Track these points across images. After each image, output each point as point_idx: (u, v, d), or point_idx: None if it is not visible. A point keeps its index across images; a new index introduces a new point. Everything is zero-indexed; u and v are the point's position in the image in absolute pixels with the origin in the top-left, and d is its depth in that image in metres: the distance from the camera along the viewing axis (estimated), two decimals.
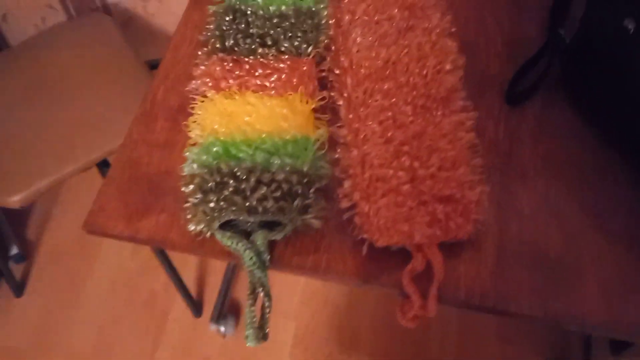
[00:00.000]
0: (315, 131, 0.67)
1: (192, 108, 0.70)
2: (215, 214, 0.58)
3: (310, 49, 0.72)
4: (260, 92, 0.69)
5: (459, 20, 0.77)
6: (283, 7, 0.76)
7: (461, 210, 0.59)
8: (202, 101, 0.70)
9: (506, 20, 0.80)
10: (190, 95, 0.72)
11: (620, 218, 0.63)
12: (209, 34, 0.76)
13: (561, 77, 0.73)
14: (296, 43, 0.72)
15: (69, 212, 1.43)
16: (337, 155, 0.66)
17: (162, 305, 1.31)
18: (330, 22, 0.76)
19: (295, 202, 0.59)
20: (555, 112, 0.71)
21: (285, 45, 0.72)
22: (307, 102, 0.68)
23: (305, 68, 0.70)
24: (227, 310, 1.25)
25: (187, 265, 1.33)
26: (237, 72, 0.70)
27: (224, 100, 0.68)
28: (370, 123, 0.64)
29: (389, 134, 0.64)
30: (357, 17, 0.74)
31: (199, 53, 0.75)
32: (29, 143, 0.96)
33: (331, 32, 0.75)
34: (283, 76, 0.69)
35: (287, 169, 0.61)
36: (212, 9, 0.78)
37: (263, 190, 0.59)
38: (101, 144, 0.95)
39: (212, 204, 0.59)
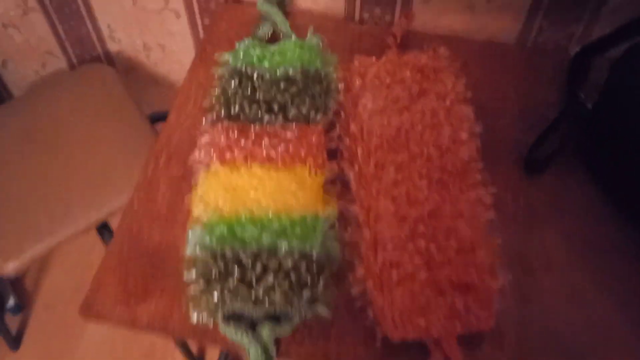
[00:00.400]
0: (323, 207, 0.63)
1: (195, 180, 0.67)
2: (220, 305, 0.55)
3: (319, 116, 0.69)
4: (267, 164, 0.65)
5: (472, 83, 0.74)
6: (291, 71, 0.72)
7: (482, 299, 0.55)
8: (206, 173, 0.66)
9: (522, 83, 0.77)
10: (194, 166, 0.68)
11: None
12: (213, 99, 0.73)
13: (582, 146, 0.70)
14: (304, 110, 0.69)
15: (66, 261, 1.39)
16: (347, 236, 0.62)
17: None
18: (340, 86, 0.73)
19: (305, 293, 0.55)
20: (576, 184, 0.68)
21: (293, 112, 0.69)
22: (315, 175, 0.65)
23: (314, 138, 0.67)
24: None
25: None
26: (242, 142, 0.67)
27: (229, 174, 0.64)
28: (382, 200, 0.61)
29: (403, 212, 0.60)
30: (367, 81, 0.71)
31: (204, 120, 0.71)
32: (23, 202, 0.92)
33: (341, 97, 0.72)
34: (290, 147, 0.66)
35: (296, 254, 0.57)
36: (217, 72, 0.75)
37: (270, 279, 0.55)
38: (99, 204, 0.91)
39: (215, 294, 0.55)
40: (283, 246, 0.58)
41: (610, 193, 0.66)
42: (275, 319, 0.56)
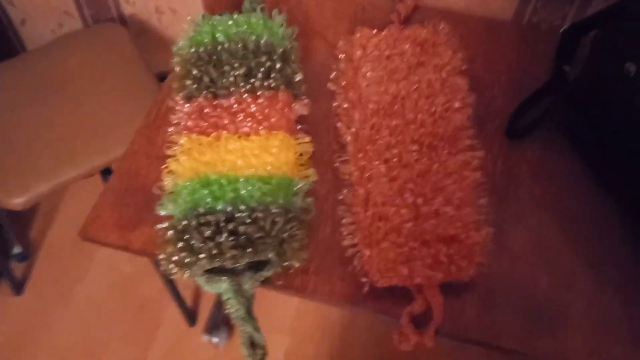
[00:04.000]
0: (297, 171, 0.67)
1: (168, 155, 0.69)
2: (192, 264, 0.57)
3: (282, 85, 0.71)
4: (238, 134, 0.67)
5: (469, 57, 0.78)
6: (252, 42, 0.73)
7: (465, 252, 0.59)
8: (178, 149, 0.68)
9: (515, 58, 0.81)
10: (167, 142, 0.71)
11: (610, 267, 0.63)
12: (178, 78, 0.74)
13: (563, 117, 0.73)
14: (269, 80, 0.70)
15: (70, 214, 1.44)
16: (341, 196, 0.66)
17: (156, 312, 1.31)
18: (341, 56, 0.77)
19: (275, 233, 0.58)
20: (556, 153, 0.72)
21: (258, 82, 0.70)
22: (287, 140, 0.67)
23: (280, 105, 0.69)
24: (221, 321, 1.25)
25: None
26: (212, 115, 0.69)
27: (200, 147, 0.66)
28: (376, 162, 0.65)
29: (394, 173, 0.64)
30: (368, 52, 0.75)
31: (175, 98, 0.73)
32: (32, 145, 0.97)
33: (342, 66, 0.76)
34: (259, 115, 0.68)
35: (269, 207, 0.60)
36: (177, 50, 0.77)
37: (241, 229, 0.58)
38: (103, 150, 0.96)
39: (187, 255, 0.57)
40: (253, 199, 0.60)
41: (589, 162, 0.70)
42: (256, 268, 0.59)
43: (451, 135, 0.67)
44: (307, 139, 0.69)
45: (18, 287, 1.31)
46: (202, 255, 0.56)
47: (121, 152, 0.70)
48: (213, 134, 0.67)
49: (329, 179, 0.69)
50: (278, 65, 0.71)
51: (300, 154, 0.68)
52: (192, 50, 0.74)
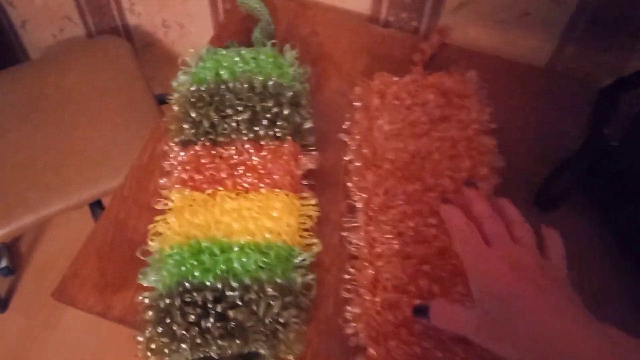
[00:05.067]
0: (299, 238, 0.59)
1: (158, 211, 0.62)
2: (173, 353, 0.51)
3: (291, 134, 0.63)
4: (236, 190, 0.60)
5: (494, 105, 0.70)
6: (259, 83, 0.65)
7: (485, 356, 0.51)
8: (169, 210, 0.61)
9: (546, 111, 0.73)
10: (159, 192, 0.64)
11: None
12: (174, 120, 0.66)
13: (596, 184, 0.66)
14: (275, 128, 0.63)
15: (62, 230, 1.38)
16: (347, 276, 0.58)
17: None
18: (356, 104, 0.69)
19: (269, 320, 0.51)
20: (585, 225, 0.64)
21: (263, 130, 0.63)
22: (290, 199, 0.60)
23: (285, 159, 0.61)
24: None
25: None
26: (209, 167, 0.62)
27: (194, 210, 0.59)
28: (388, 236, 0.57)
29: (409, 249, 0.56)
30: (387, 101, 0.67)
31: (170, 144, 0.66)
32: (22, 171, 0.90)
33: (357, 116, 0.68)
34: (261, 170, 0.61)
35: (264, 286, 0.53)
36: (177, 86, 0.69)
37: (231, 315, 0.51)
38: (95, 182, 0.89)
39: (167, 342, 0.51)
40: (247, 275, 0.54)
41: (621, 240, 0.62)
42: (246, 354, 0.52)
43: None
44: (314, 201, 0.62)
45: (2, 304, 1.25)
46: (184, 346, 0.50)
47: (113, 185, 0.64)
48: (208, 191, 0.60)
49: (334, 244, 0.61)
50: (286, 112, 0.64)
51: (306, 217, 0.61)
52: (193, 88, 0.67)
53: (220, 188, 0.60)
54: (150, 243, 0.59)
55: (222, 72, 0.67)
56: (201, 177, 0.61)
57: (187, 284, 0.53)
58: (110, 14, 1.14)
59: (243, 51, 0.69)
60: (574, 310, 0.39)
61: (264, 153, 0.61)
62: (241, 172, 0.61)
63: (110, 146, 0.93)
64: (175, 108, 0.67)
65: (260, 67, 0.67)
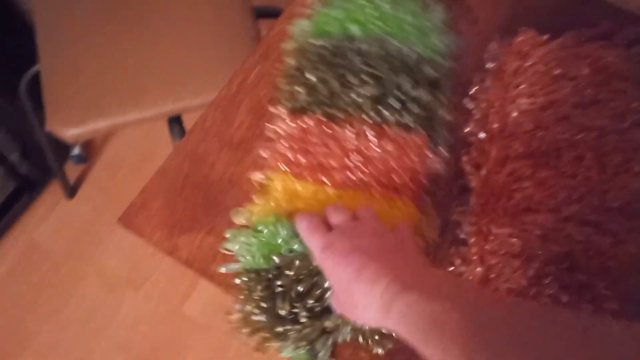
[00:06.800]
0: None
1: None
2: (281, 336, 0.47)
3: (423, 123, 0.52)
4: (343, 183, 0.50)
5: None
6: (402, 49, 0.53)
7: None
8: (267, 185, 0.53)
9: None
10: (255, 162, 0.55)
11: None
12: (283, 85, 0.56)
13: None
14: (406, 113, 0.52)
15: (138, 128, 1.35)
16: (452, 268, 0.50)
17: None
18: (489, 65, 0.57)
19: None
20: None
21: (390, 114, 0.52)
22: (406, 209, 0.50)
23: (412, 157, 0.51)
24: None
25: None
26: (320, 149, 0.52)
27: (293, 200, 0.50)
28: (507, 230, 0.48)
29: (531, 250, 0.47)
30: (528, 66, 0.55)
31: (279, 108, 0.55)
32: (100, 74, 0.84)
33: (489, 80, 0.56)
34: (379, 165, 0.51)
35: None
36: (294, 35, 0.58)
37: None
38: (175, 97, 0.81)
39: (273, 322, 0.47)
40: None
41: None
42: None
43: (624, 207, 0.49)
44: (435, 224, 0.50)
45: (72, 191, 1.26)
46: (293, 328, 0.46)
47: (194, 104, 0.56)
48: (312, 182, 0.50)
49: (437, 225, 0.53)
50: (422, 94, 0.52)
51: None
52: (315, 42, 0.55)
53: (325, 180, 0.50)
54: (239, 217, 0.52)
55: (351, 26, 0.55)
56: (306, 161, 0.51)
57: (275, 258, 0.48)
58: None
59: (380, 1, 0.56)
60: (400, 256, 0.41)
61: (387, 143, 0.51)
62: (355, 163, 0.51)
63: (196, 61, 0.84)
64: (291, 62, 0.56)
65: (399, 28, 0.55)
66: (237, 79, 0.60)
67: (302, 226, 0.45)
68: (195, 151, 0.57)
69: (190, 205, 0.55)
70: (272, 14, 0.88)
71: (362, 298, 0.39)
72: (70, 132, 0.81)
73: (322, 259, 0.42)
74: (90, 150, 1.31)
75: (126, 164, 1.30)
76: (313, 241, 0.44)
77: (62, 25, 0.91)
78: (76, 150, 1.27)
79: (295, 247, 0.48)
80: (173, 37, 0.87)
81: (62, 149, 1.22)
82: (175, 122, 0.85)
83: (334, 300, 0.45)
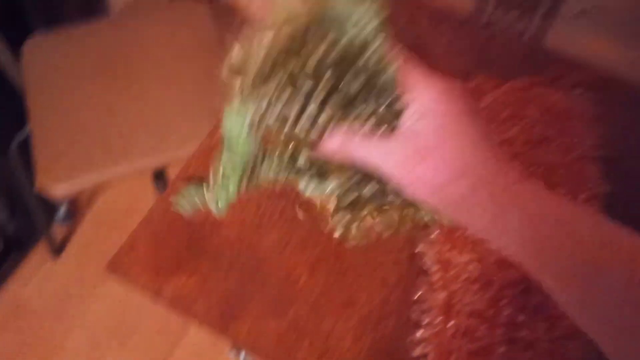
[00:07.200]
0: None
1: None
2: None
3: None
4: None
5: (608, 133, 0.61)
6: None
7: None
8: None
9: None
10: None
11: None
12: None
13: None
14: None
15: (123, 184, 1.38)
16: (416, 297, 0.54)
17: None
18: None
19: None
20: None
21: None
22: None
23: None
24: None
25: None
26: None
27: None
28: (466, 257, 0.52)
29: (489, 275, 0.51)
30: (481, 107, 0.61)
31: None
32: (89, 129, 0.89)
33: None
34: None
35: None
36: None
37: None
38: (161, 149, 0.85)
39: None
40: None
41: None
42: None
43: None
44: None
45: (57, 250, 1.28)
46: None
47: (178, 155, 0.60)
48: None
49: (403, 260, 0.56)
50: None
51: None
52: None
53: None
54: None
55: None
56: None
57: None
58: None
59: None
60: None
61: None
62: None
63: (181, 115, 0.89)
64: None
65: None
66: (217, 131, 0.65)
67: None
68: None
69: (175, 248, 0.58)
70: None
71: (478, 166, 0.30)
72: (60, 188, 0.85)
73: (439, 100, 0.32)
74: (76, 208, 1.34)
75: (111, 220, 1.32)
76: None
77: (51, 85, 0.96)
78: (63, 210, 1.29)
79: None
80: (158, 93, 0.93)
81: (49, 209, 1.25)
82: (160, 176, 0.89)
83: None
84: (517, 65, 0.69)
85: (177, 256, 0.57)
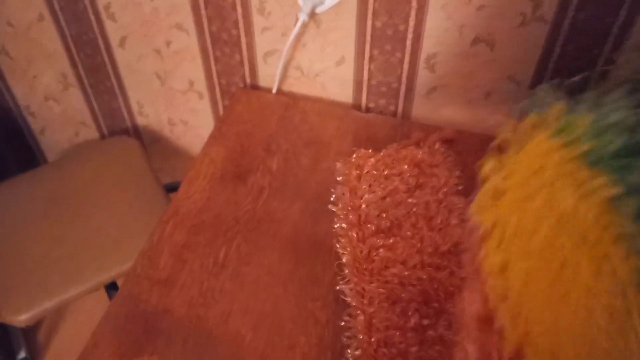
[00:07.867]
0: None
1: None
2: None
3: None
4: None
5: (468, 175, 0.78)
6: None
7: None
8: None
9: None
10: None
11: None
12: None
13: None
14: None
15: (78, 317, 1.43)
16: (342, 323, 0.65)
17: None
18: (339, 178, 0.78)
19: None
20: None
21: None
22: None
23: None
24: None
25: None
26: None
27: None
28: (375, 284, 0.65)
29: (395, 296, 0.64)
30: (365, 172, 0.77)
31: None
32: (42, 261, 0.99)
33: (339, 188, 0.77)
34: None
35: None
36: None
37: None
38: (109, 267, 0.97)
39: None
40: None
41: None
42: None
43: (451, 249, 0.67)
44: None
45: None
46: None
47: (126, 268, 0.70)
48: None
49: (330, 302, 0.68)
50: None
51: None
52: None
53: None
54: None
55: None
56: None
57: None
58: (121, 117, 1.26)
59: None
60: None
61: None
62: None
63: (123, 234, 1.01)
64: None
65: None
66: (156, 233, 0.77)
67: None
68: (131, 293, 0.70)
69: (134, 334, 0.66)
70: (177, 187, 1.09)
71: None
72: (22, 318, 0.92)
73: None
74: (35, 349, 1.36)
75: (72, 352, 1.34)
76: None
77: (3, 229, 1.06)
78: (21, 354, 1.31)
79: None
80: (99, 219, 1.05)
81: (10, 354, 1.27)
82: (112, 288, 0.99)
83: None
84: (390, 136, 0.87)
85: (136, 340, 0.66)
